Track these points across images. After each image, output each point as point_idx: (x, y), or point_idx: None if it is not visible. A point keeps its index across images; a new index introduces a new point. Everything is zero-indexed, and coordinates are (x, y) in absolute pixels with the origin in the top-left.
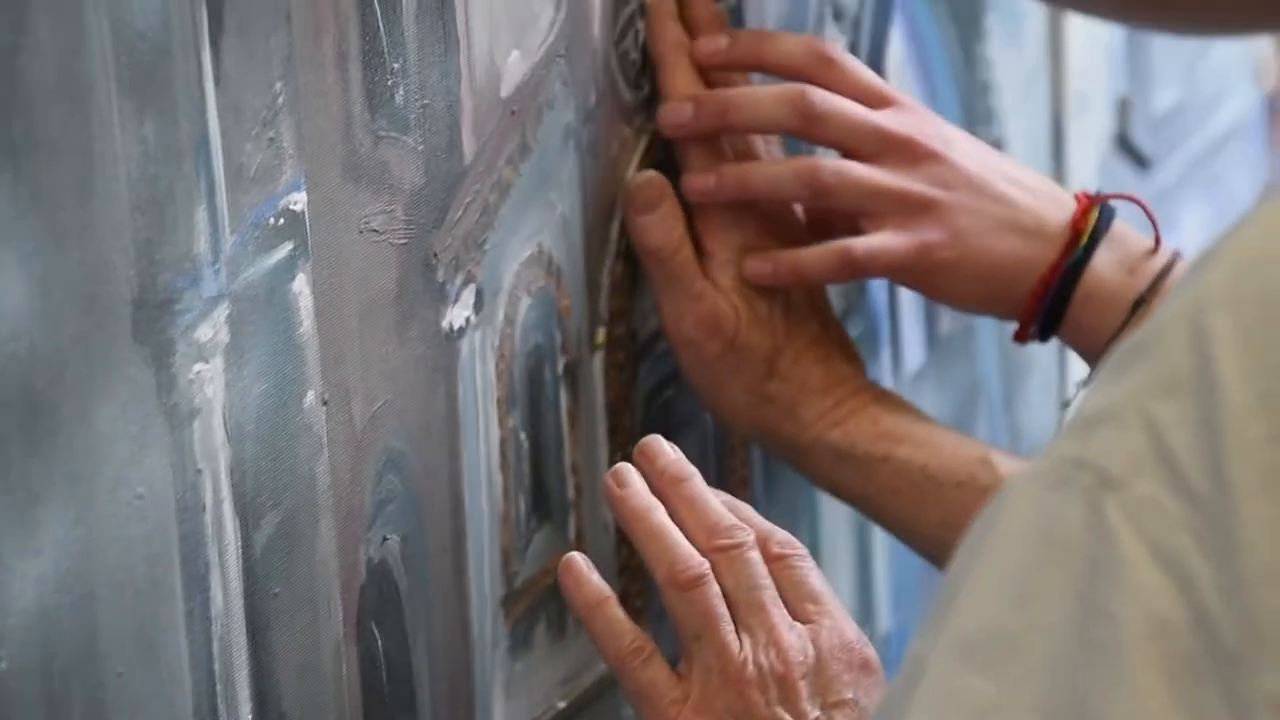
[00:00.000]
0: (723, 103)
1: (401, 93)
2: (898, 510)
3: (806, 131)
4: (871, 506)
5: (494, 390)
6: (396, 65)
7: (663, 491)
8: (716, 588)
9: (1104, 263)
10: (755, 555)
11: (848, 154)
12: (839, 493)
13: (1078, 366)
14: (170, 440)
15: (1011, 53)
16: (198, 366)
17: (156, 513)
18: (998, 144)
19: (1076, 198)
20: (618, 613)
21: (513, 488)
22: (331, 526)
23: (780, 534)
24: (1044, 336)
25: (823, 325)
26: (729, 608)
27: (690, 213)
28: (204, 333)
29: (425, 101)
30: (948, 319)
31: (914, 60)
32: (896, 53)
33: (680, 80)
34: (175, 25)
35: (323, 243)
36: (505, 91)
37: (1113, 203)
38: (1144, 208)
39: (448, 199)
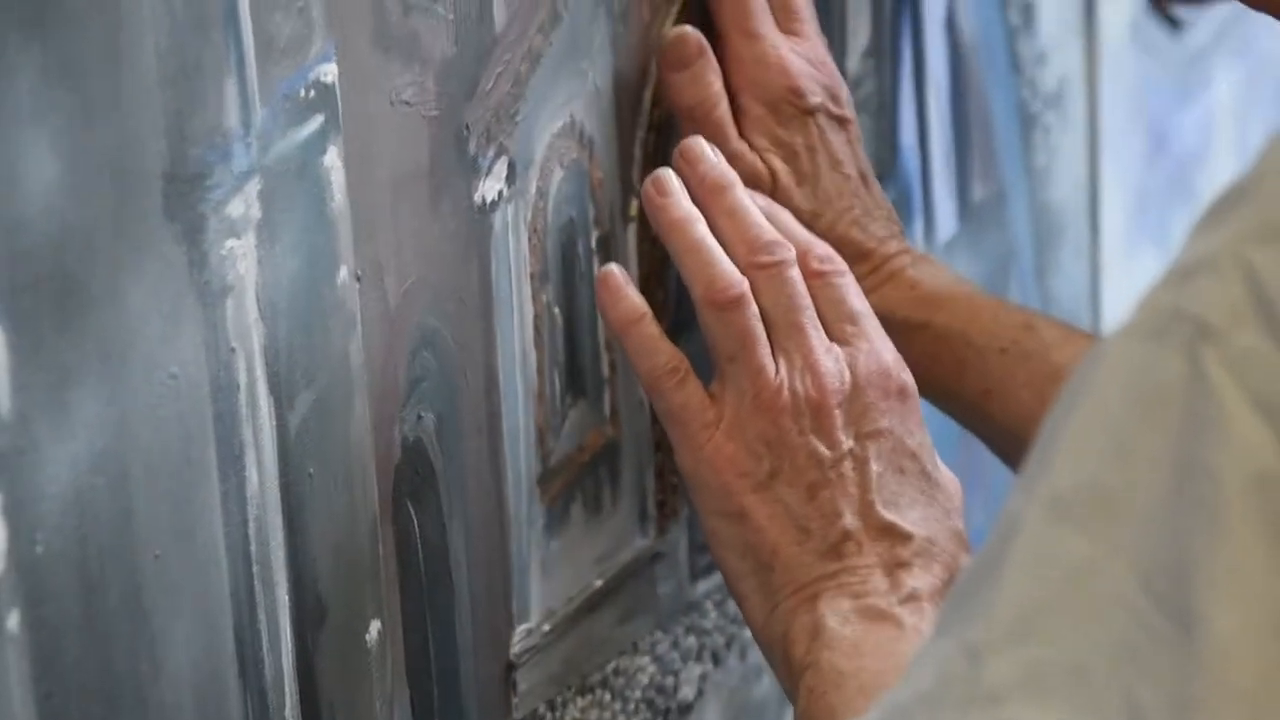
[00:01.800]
0: None
1: None
2: (938, 378)
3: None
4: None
5: (527, 265)
6: None
7: (703, 200)
8: (754, 308)
9: None
10: (795, 273)
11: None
12: None
13: (1110, 232)
14: (203, 318)
15: None
16: (230, 243)
17: (190, 393)
18: (1029, 5)
19: None
20: (654, 330)
21: (547, 364)
22: (366, 405)
23: (820, 247)
24: None
25: (863, 184)
26: (766, 327)
27: (726, 68)
28: (236, 208)
29: None
30: (979, 186)
31: None
32: None
33: None
34: None
35: (353, 115)
36: None
37: None
38: None
39: (479, 69)
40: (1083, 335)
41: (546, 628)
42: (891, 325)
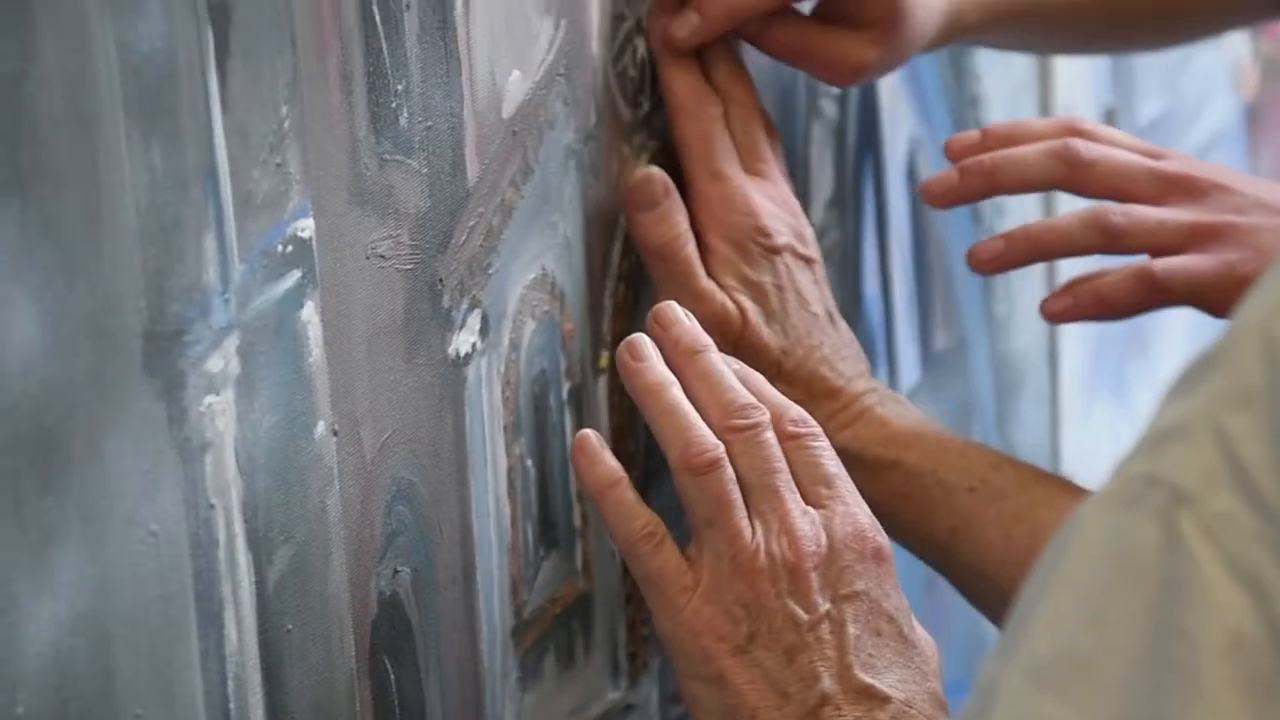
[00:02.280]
0: (990, 165)
1: (405, 114)
2: (908, 516)
3: (1077, 181)
4: (880, 512)
5: (500, 417)
6: (400, 86)
7: (676, 363)
8: (731, 472)
9: None
10: (770, 436)
11: (1125, 199)
12: None
13: (1069, 381)
14: (183, 475)
15: (999, 65)
16: (209, 399)
17: (170, 550)
18: None
19: None
20: (630, 495)
21: (520, 516)
22: (343, 560)
23: (794, 410)
24: None
25: (830, 322)
26: (742, 491)
27: (693, 208)
28: (215, 364)
29: (429, 123)
30: (941, 335)
31: (904, 73)
32: None
33: (683, 83)
34: (181, 48)
35: (330, 270)
36: (507, 112)
37: None
38: None
39: (452, 223)
40: (1050, 477)
41: None
42: (862, 463)
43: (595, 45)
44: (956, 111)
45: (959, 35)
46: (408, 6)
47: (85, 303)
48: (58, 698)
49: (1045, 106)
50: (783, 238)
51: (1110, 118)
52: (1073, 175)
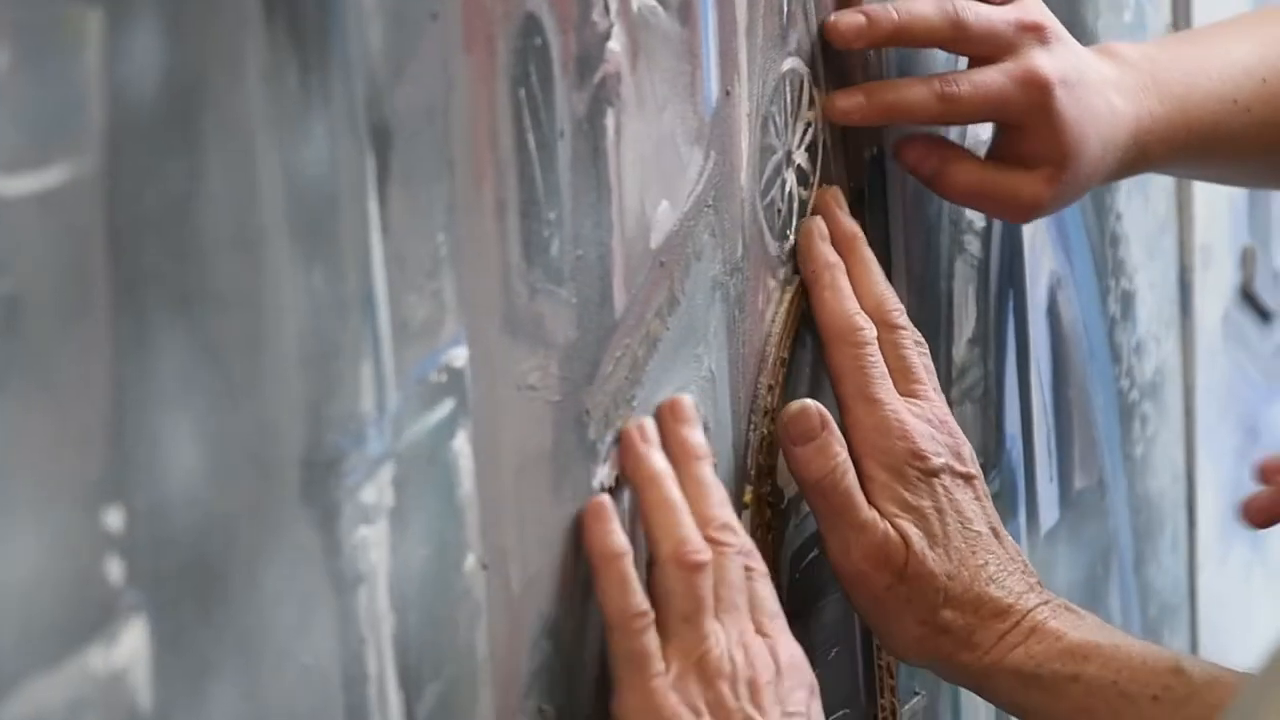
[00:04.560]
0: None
1: (557, 243)
2: None
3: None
4: None
5: (644, 551)
6: (552, 215)
7: (676, 458)
8: (712, 579)
9: None
10: (740, 561)
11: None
12: (1026, 715)
13: (1206, 523)
14: (337, 608)
15: (1139, 203)
16: (363, 530)
17: (323, 684)
18: (1127, 296)
19: None
20: (632, 572)
21: None
22: (490, 698)
23: (749, 544)
24: None
25: (995, 538)
26: None
27: (848, 435)
28: (369, 494)
29: (579, 252)
30: (1080, 475)
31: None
32: None
33: (835, 309)
34: (344, 172)
35: (482, 400)
36: (655, 242)
37: None
38: None
39: (599, 353)
40: (1230, 674)
41: None
42: (1040, 682)
43: (744, 177)
44: (1097, 249)
45: (1143, 168)
46: (561, 134)
47: (246, 429)
48: None
49: (1184, 244)
50: (939, 459)
51: (1248, 258)
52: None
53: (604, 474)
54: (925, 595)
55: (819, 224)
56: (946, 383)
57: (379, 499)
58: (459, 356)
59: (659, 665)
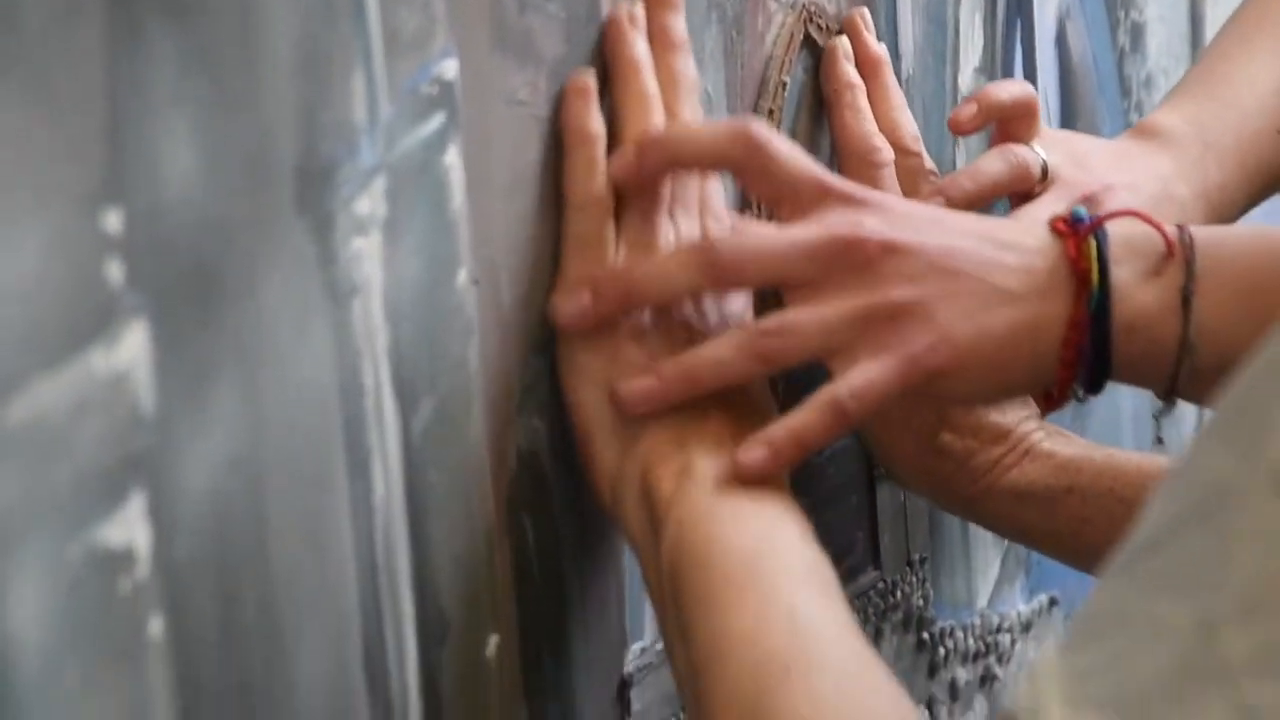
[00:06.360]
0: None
1: None
2: (1090, 540)
3: (720, 288)
4: (1060, 543)
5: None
6: None
7: (656, 46)
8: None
9: (1127, 283)
10: None
11: (784, 288)
12: (1022, 535)
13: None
14: (333, 318)
15: None
16: (357, 241)
17: (321, 395)
18: (1137, 28)
19: (1055, 227)
20: (603, 159)
21: None
22: (482, 412)
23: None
24: (1094, 390)
25: None
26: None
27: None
28: (363, 205)
29: None
30: None
31: None
32: None
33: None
34: None
35: (473, 114)
36: None
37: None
38: (1138, 215)
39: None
40: None
41: (660, 646)
42: (1034, 497)
43: None
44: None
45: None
46: None
47: (240, 135)
48: (215, 544)
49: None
50: None
51: None
52: (717, 282)
53: None
54: (925, 417)
55: (844, 43)
56: None
57: (372, 210)
58: (450, 68)
59: (610, 250)
